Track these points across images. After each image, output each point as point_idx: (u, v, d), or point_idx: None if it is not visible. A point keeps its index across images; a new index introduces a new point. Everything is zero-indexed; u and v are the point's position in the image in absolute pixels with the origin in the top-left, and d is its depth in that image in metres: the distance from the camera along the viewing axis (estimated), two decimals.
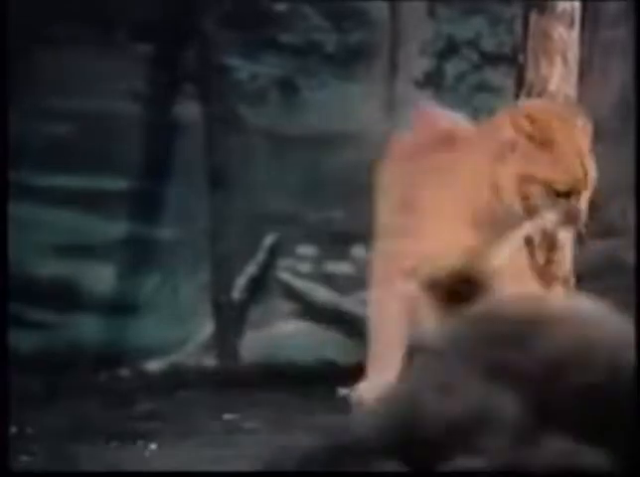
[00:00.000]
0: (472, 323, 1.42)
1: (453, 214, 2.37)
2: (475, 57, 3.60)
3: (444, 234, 2.36)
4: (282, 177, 3.54)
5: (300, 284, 3.61)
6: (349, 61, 3.56)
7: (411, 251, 2.41)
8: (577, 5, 2.76)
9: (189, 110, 3.52)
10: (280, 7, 3.54)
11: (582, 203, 2.30)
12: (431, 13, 3.56)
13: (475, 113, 3.59)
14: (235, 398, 2.76)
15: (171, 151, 3.53)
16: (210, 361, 3.37)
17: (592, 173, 2.32)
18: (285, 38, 3.53)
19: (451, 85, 3.61)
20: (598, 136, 2.45)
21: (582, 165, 2.31)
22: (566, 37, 2.76)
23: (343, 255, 3.64)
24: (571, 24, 2.77)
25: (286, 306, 3.57)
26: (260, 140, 3.54)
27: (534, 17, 2.77)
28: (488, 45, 3.59)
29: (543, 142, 2.31)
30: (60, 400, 2.79)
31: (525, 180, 2.32)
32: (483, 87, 3.59)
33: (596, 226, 3.30)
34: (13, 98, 3.25)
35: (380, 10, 3.56)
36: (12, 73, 3.26)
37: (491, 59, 3.59)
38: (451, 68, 3.60)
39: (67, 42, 3.41)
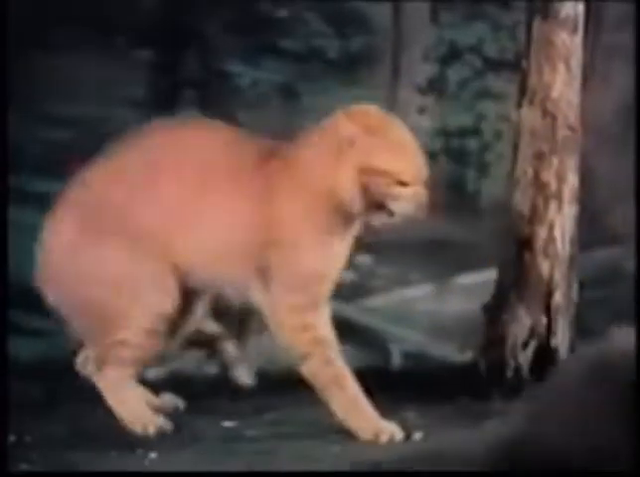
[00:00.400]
0: None
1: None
2: (478, 63, 3.59)
3: None
4: None
5: None
6: (351, 66, 3.55)
7: None
8: (581, 10, 2.75)
9: (189, 116, 3.50)
10: (282, 13, 3.53)
11: (424, 193, 2.41)
12: (434, 19, 3.55)
13: (478, 120, 3.59)
14: (235, 406, 2.74)
15: None
16: (210, 368, 3.35)
17: (426, 168, 2.44)
18: (286, 44, 3.52)
19: (454, 91, 3.60)
20: (601, 142, 2.45)
21: (419, 157, 2.42)
22: (570, 43, 2.75)
23: (346, 263, 3.62)
24: (575, 30, 2.76)
25: None
26: None
27: (537, 23, 2.76)
28: (491, 51, 3.58)
29: (380, 134, 2.36)
30: (59, 408, 2.77)
31: (366, 172, 2.36)
32: (486, 94, 3.58)
33: (599, 233, 3.28)
34: (13, 104, 3.24)
35: (382, 15, 3.55)
36: (12, 78, 3.24)
37: (494, 65, 3.58)
38: (454, 73, 3.59)
39: (66, 47, 3.40)
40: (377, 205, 2.41)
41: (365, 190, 2.38)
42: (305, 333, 2.45)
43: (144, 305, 2.47)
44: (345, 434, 2.50)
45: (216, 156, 2.48)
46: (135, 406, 2.50)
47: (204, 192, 2.46)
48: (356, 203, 2.40)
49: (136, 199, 2.47)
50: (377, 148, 2.38)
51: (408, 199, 2.41)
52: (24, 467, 2.35)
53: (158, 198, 2.47)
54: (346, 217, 2.44)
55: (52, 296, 2.53)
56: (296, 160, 2.46)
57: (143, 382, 3.03)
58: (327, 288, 2.48)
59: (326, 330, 2.47)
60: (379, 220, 2.45)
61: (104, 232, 2.47)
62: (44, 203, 3.41)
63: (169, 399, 2.69)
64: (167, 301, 2.48)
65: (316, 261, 2.44)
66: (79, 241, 2.48)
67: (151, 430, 2.50)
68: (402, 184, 2.39)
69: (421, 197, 2.42)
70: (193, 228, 2.47)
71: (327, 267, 2.47)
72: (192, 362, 3.37)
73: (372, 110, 2.43)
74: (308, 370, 2.45)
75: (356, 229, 2.51)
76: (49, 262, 2.52)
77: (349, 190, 2.38)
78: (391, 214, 2.43)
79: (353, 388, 2.48)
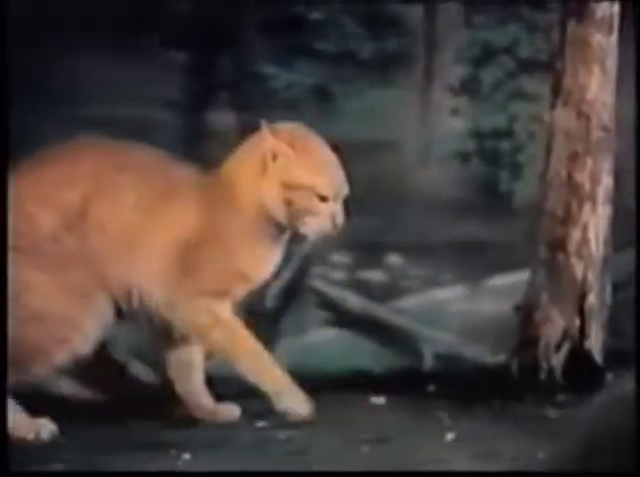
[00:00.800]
0: None
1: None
2: (511, 64, 3.58)
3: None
4: None
5: (334, 292, 3.59)
6: (384, 68, 3.55)
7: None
8: (616, 11, 2.73)
9: (223, 118, 3.51)
10: (316, 15, 3.53)
11: (340, 209, 2.50)
12: (467, 20, 3.54)
13: (511, 121, 3.58)
14: (267, 407, 2.74)
15: (204, 159, 3.52)
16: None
17: (346, 186, 2.50)
18: (320, 45, 3.52)
19: (487, 93, 3.59)
20: (636, 146, 2.43)
21: (339, 174, 2.49)
22: (605, 44, 2.73)
23: (377, 263, 3.62)
24: (610, 30, 2.74)
25: (320, 314, 3.55)
26: None
27: (572, 24, 2.75)
28: (524, 52, 3.56)
29: (302, 150, 2.45)
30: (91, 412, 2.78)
31: (287, 186, 2.45)
32: (519, 95, 3.57)
33: (633, 234, 3.26)
34: (50, 107, 3.26)
35: (415, 17, 3.55)
36: (49, 81, 3.26)
37: (527, 66, 3.56)
38: (487, 75, 3.57)
39: (101, 49, 3.41)
40: (295, 218, 2.49)
41: (288, 203, 2.46)
42: (207, 313, 2.46)
43: (63, 342, 2.47)
44: (374, 435, 2.50)
45: (150, 177, 2.51)
46: (18, 416, 2.50)
47: (142, 213, 2.46)
48: (281, 214, 2.48)
49: (72, 226, 2.47)
50: (298, 163, 2.46)
51: (326, 213, 2.48)
52: (58, 467, 2.36)
53: (96, 224, 2.45)
54: (276, 226, 2.52)
55: None
56: (226, 175, 2.54)
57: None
58: (243, 289, 2.51)
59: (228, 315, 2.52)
60: (306, 230, 2.51)
61: (37, 246, 2.44)
62: None
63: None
64: (86, 343, 2.49)
65: (244, 264, 2.49)
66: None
67: (44, 435, 2.49)
68: (322, 199, 2.46)
69: (338, 213, 2.50)
70: (135, 252, 2.47)
71: (253, 272, 2.51)
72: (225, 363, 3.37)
73: (296, 128, 2.52)
74: (211, 341, 2.46)
75: (287, 237, 2.57)
76: None
77: (274, 202, 2.47)
78: (305, 228, 2.50)
79: (260, 354, 2.50)
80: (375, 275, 3.62)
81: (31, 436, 2.49)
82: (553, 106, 2.80)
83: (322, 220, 2.48)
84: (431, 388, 2.85)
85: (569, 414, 2.62)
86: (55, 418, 2.54)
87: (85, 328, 2.47)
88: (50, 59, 3.33)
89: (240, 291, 2.55)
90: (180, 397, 2.64)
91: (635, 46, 3.20)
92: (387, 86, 3.53)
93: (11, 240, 2.44)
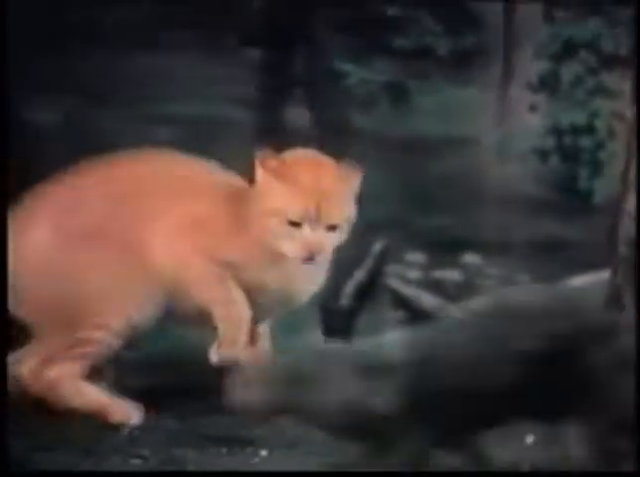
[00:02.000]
0: None
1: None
2: (592, 59, 3.54)
3: None
4: (392, 183, 3.51)
5: (409, 291, 3.58)
6: (462, 64, 3.53)
7: None
8: None
9: (298, 116, 3.52)
10: (392, 11, 3.52)
11: (320, 236, 2.47)
12: (547, 15, 3.50)
13: (591, 117, 3.54)
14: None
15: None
16: None
17: (339, 213, 2.50)
18: (397, 42, 3.51)
19: (567, 89, 3.55)
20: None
21: (319, 200, 2.47)
22: None
23: (452, 262, 3.60)
24: None
25: (394, 313, 3.54)
26: (371, 145, 3.52)
27: None
28: (606, 47, 3.52)
29: (284, 177, 2.47)
30: (168, 404, 2.79)
31: (265, 213, 2.50)
32: (600, 91, 3.52)
33: None
34: (129, 105, 3.29)
35: (494, 13, 3.52)
36: (127, 80, 3.29)
37: (609, 61, 3.51)
38: (567, 71, 3.54)
39: (177, 47, 3.43)
40: (273, 244, 2.52)
41: (264, 229, 2.51)
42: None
43: (119, 310, 2.53)
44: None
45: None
46: (101, 395, 2.54)
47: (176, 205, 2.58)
48: (269, 241, 2.52)
49: (119, 210, 2.54)
50: (275, 189, 2.48)
51: (298, 239, 2.48)
52: (136, 462, 2.38)
53: (140, 211, 2.56)
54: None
55: (17, 291, 2.57)
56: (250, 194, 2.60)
57: None
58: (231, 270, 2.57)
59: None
60: (285, 252, 2.52)
61: (86, 236, 2.52)
62: None
63: None
64: (140, 310, 2.55)
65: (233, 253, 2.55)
66: (55, 241, 2.54)
67: (134, 419, 2.53)
68: (293, 224, 2.48)
69: (310, 240, 2.48)
70: (170, 240, 2.54)
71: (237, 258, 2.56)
72: None
73: (290, 155, 2.53)
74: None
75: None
76: (21, 259, 2.56)
77: (257, 229, 2.52)
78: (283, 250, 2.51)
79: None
80: (450, 274, 3.60)
81: (121, 420, 2.53)
82: (634, 102, 2.76)
83: (294, 245, 2.49)
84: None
85: None
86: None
87: (140, 295, 2.55)
88: (126, 57, 3.36)
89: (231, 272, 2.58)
90: None
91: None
92: (464, 83, 3.50)
93: (62, 225, 2.53)
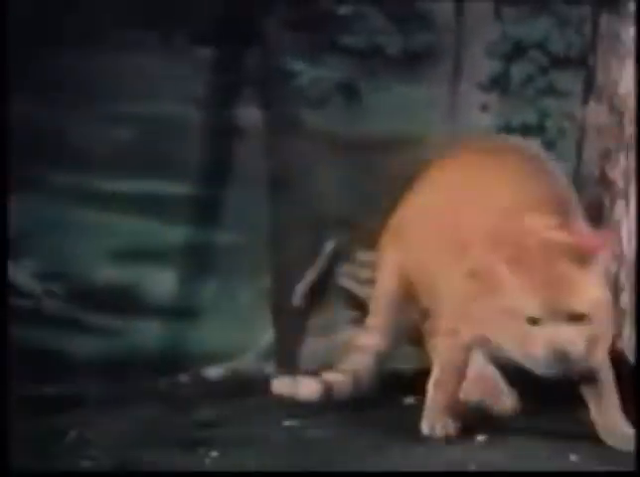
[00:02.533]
0: None
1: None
2: (542, 59, 3.56)
3: None
4: (344, 182, 3.52)
5: (361, 291, 3.59)
6: (412, 63, 3.54)
7: None
8: None
9: (250, 114, 3.52)
10: (343, 10, 3.53)
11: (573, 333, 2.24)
12: (497, 14, 3.53)
13: (541, 117, 3.57)
14: (295, 406, 2.75)
15: (231, 155, 3.53)
16: (270, 368, 3.36)
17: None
18: (348, 41, 3.52)
19: (517, 89, 3.58)
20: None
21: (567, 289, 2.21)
22: (638, 38, 2.72)
23: None
24: None
25: (347, 313, 3.55)
26: (322, 144, 3.53)
27: (604, 18, 2.74)
28: (556, 47, 3.55)
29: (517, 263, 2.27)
30: (120, 406, 2.79)
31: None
32: (550, 91, 3.55)
33: None
34: (76, 103, 3.28)
35: (444, 11, 3.54)
36: (75, 77, 3.28)
37: (559, 61, 3.55)
38: (517, 70, 3.56)
39: (128, 46, 3.42)
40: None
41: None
42: None
43: None
44: (406, 435, 2.50)
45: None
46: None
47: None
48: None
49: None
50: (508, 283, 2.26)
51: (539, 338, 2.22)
52: (86, 464, 2.37)
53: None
54: None
55: None
56: None
57: (204, 381, 3.05)
58: None
59: None
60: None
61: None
62: (105, 203, 3.45)
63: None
64: None
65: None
66: None
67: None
68: (531, 321, 2.23)
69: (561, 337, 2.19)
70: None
71: None
72: (252, 361, 3.38)
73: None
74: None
75: None
76: None
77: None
78: None
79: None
80: None
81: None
82: (584, 102, 2.80)
83: (532, 346, 2.21)
84: None
85: None
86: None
87: None
88: (74, 55, 3.35)
89: None
90: None
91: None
92: (415, 82, 3.52)
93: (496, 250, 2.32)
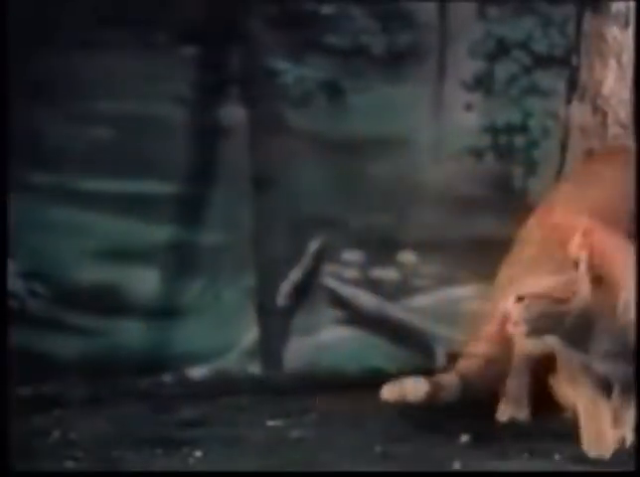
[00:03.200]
0: None
1: None
2: (526, 59, 3.58)
3: None
4: (328, 181, 3.53)
5: (346, 290, 3.60)
6: (396, 63, 3.55)
7: None
8: (632, 5, 2.74)
9: (233, 113, 3.52)
10: (327, 9, 3.54)
11: None
12: (481, 14, 3.54)
13: (525, 116, 3.58)
14: (279, 406, 2.76)
15: (215, 155, 3.53)
16: (254, 368, 3.36)
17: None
18: (332, 40, 3.53)
19: (501, 88, 3.59)
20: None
21: None
22: (621, 38, 2.74)
23: (389, 261, 3.62)
24: (626, 24, 2.75)
25: (331, 312, 3.56)
26: (306, 144, 3.54)
27: (587, 18, 2.76)
28: (539, 46, 3.56)
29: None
30: (103, 407, 2.79)
31: None
32: (534, 90, 3.57)
33: None
34: (57, 102, 3.28)
35: (427, 11, 3.55)
36: (55, 76, 3.28)
37: (543, 61, 3.56)
38: (501, 70, 3.58)
39: (110, 45, 3.42)
40: None
41: None
42: None
43: None
44: (387, 434, 2.51)
45: None
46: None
47: None
48: None
49: None
50: None
51: None
52: (70, 465, 2.38)
53: None
54: None
55: None
56: None
57: (187, 381, 3.05)
58: None
59: None
60: None
61: None
62: (87, 201, 3.45)
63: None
64: None
65: None
66: None
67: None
68: None
69: None
70: None
71: None
72: (236, 361, 3.39)
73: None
74: None
75: None
76: None
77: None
78: None
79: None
80: (387, 273, 3.63)
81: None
82: (568, 102, 2.82)
83: None
84: None
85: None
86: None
87: None
88: (58, 54, 3.34)
89: None
90: None
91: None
92: (399, 82, 3.53)
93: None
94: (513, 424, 2.64)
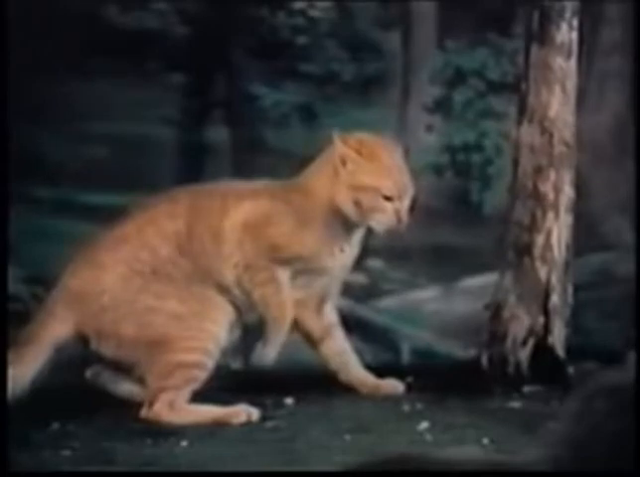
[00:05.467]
0: None
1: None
2: (481, 85, 3.60)
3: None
4: None
5: None
6: (364, 88, 3.57)
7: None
8: (575, 37, 2.75)
9: (218, 134, 3.53)
10: (301, 40, 3.55)
11: (405, 206, 2.57)
12: (440, 45, 3.56)
13: (481, 137, 3.60)
14: (257, 397, 2.75)
15: (201, 170, 3.53)
16: (236, 364, 3.36)
17: (411, 186, 2.60)
18: (307, 68, 3.54)
19: (459, 111, 3.61)
20: (595, 160, 2.45)
21: (403, 176, 2.59)
22: (565, 67, 2.75)
23: (359, 267, 3.63)
24: (569, 55, 2.76)
25: None
26: (282, 161, 3.54)
27: (534, 49, 2.76)
28: (493, 74, 3.58)
29: (369, 156, 2.55)
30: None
31: (356, 189, 2.56)
32: (488, 113, 3.59)
33: (592, 240, 3.28)
34: (57, 123, 3.27)
35: (392, 42, 3.57)
36: (56, 100, 3.27)
37: (495, 87, 3.58)
38: (459, 95, 3.59)
39: (106, 73, 3.42)
40: (364, 216, 2.59)
41: (357, 203, 2.57)
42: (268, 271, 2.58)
43: (205, 331, 2.56)
44: (356, 424, 2.51)
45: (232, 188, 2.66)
46: (212, 409, 2.55)
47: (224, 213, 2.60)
48: (351, 213, 2.58)
49: (183, 250, 2.57)
50: (364, 168, 2.55)
51: (391, 211, 2.57)
52: (66, 454, 2.37)
53: (198, 241, 2.58)
54: (346, 223, 2.62)
55: (100, 332, 2.55)
56: (304, 182, 2.65)
57: None
58: (301, 265, 2.60)
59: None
60: (375, 225, 2.60)
61: (158, 270, 2.51)
62: (82, 214, 3.44)
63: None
64: (222, 329, 2.55)
65: (304, 247, 2.59)
66: (130, 276, 2.53)
67: (254, 416, 2.53)
68: (387, 198, 2.55)
69: (403, 210, 2.58)
70: (221, 243, 2.58)
71: (311, 254, 2.60)
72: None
73: (365, 136, 2.60)
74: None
75: (360, 233, 2.66)
76: (97, 294, 2.54)
77: (345, 203, 2.58)
78: (373, 224, 2.59)
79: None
80: (356, 278, 3.63)
81: (244, 421, 2.52)
82: (518, 123, 2.82)
83: (388, 216, 2.55)
84: (409, 380, 2.86)
85: (535, 406, 2.63)
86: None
87: (216, 333, 2.57)
88: (58, 82, 3.34)
89: (299, 266, 2.61)
90: (345, 383, 2.72)
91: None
92: (367, 105, 3.54)
93: (133, 265, 2.53)
94: None
